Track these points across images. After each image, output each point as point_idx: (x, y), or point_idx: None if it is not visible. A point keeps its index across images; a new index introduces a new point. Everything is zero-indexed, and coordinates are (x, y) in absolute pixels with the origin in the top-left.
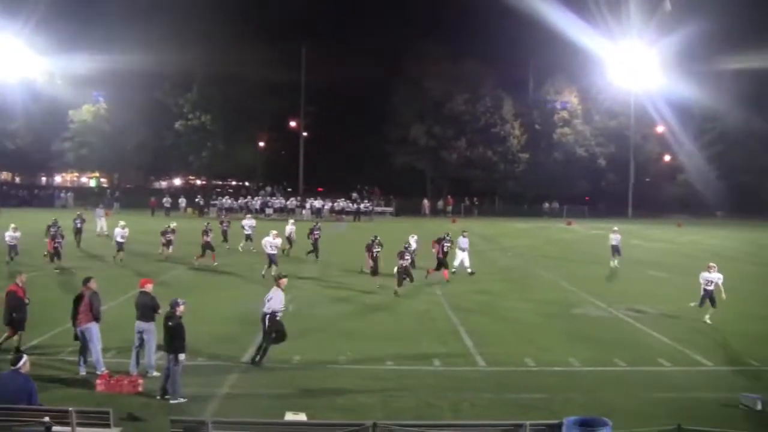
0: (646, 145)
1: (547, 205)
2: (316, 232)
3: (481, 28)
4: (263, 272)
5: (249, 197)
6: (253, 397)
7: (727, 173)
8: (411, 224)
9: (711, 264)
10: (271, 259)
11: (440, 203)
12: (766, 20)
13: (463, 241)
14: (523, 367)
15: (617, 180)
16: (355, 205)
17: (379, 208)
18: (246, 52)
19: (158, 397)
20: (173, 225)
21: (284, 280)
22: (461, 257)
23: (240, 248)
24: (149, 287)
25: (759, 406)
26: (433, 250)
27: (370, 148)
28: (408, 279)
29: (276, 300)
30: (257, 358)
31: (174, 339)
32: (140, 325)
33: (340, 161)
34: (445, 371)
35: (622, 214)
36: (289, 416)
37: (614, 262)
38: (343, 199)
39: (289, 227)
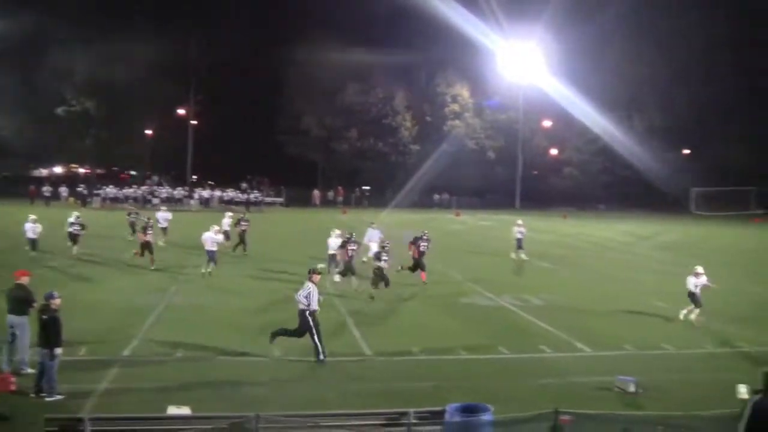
0: (534, 139)
1: (437, 196)
2: (243, 224)
3: (373, 19)
4: (204, 270)
5: (135, 186)
6: (134, 391)
7: (609, 167)
8: (301, 215)
9: (698, 270)
10: (210, 257)
11: (331, 194)
12: (644, 22)
13: (373, 233)
14: (410, 357)
15: (506, 172)
16: (245, 196)
17: (269, 199)
18: (133, 39)
19: (33, 395)
20: (75, 216)
21: (318, 276)
22: (372, 249)
23: (162, 243)
24: (25, 280)
25: (632, 389)
26: (410, 252)
27: (260, 138)
28: (384, 282)
29: (315, 296)
30: (321, 357)
31: (49, 333)
32: (12, 319)
33: (230, 151)
34: (332, 362)
35: (510, 205)
36: (172, 410)
37: (519, 255)
38: (232, 190)
39: (227, 220)
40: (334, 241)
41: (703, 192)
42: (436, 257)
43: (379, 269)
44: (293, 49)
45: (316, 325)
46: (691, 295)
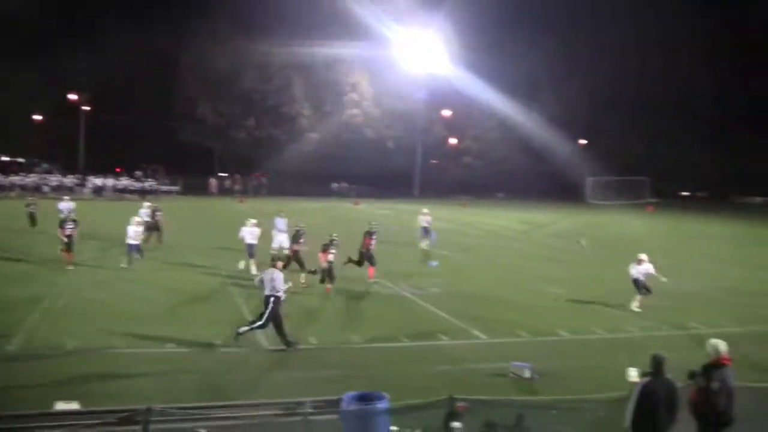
0: (434, 128)
1: (335, 185)
2: (158, 214)
3: (271, 7)
4: (123, 264)
5: (23, 174)
6: (18, 388)
7: (507, 157)
8: (199, 204)
9: (641, 257)
10: (132, 249)
11: (228, 182)
12: (541, 13)
13: (281, 222)
14: (308, 346)
15: (405, 161)
16: (140, 184)
17: (164, 187)
18: (27, 20)
19: None
20: None
21: (280, 263)
22: (280, 238)
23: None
24: None
25: (527, 374)
26: (363, 246)
27: (156, 126)
28: (329, 278)
29: (279, 281)
30: (238, 333)
31: None
32: None
33: (125, 138)
34: (228, 352)
35: (409, 194)
36: (60, 406)
37: (424, 244)
38: (126, 178)
39: (145, 211)
40: (249, 231)
41: (599, 181)
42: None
43: (329, 264)
44: (188, 36)
45: (272, 313)
46: (635, 282)
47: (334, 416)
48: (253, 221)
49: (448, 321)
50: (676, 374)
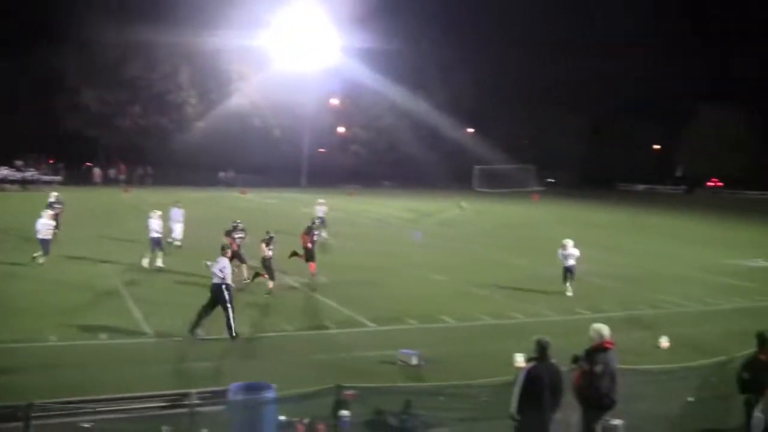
0: (321, 117)
1: (222, 174)
2: (57, 206)
3: None
4: (41, 261)
5: None
6: None
7: (395, 145)
8: (83, 194)
9: (566, 241)
10: (43, 245)
11: (112, 172)
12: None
13: (177, 213)
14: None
15: (292, 150)
16: (20, 174)
17: (46, 177)
18: None
19: None
20: None
21: (229, 251)
22: (177, 229)
23: None
24: None
25: (415, 361)
26: (303, 242)
27: (37, 114)
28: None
29: (228, 269)
30: (234, 334)
31: None
32: None
33: (4, 126)
34: (111, 344)
35: (296, 183)
36: None
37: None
38: (6, 168)
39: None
40: (155, 223)
41: (485, 170)
42: (211, 236)
43: (269, 260)
44: (71, 21)
45: (231, 299)
46: (567, 269)
47: (221, 407)
48: (158, 213)
49: (335, 310)
50: (561, 359)
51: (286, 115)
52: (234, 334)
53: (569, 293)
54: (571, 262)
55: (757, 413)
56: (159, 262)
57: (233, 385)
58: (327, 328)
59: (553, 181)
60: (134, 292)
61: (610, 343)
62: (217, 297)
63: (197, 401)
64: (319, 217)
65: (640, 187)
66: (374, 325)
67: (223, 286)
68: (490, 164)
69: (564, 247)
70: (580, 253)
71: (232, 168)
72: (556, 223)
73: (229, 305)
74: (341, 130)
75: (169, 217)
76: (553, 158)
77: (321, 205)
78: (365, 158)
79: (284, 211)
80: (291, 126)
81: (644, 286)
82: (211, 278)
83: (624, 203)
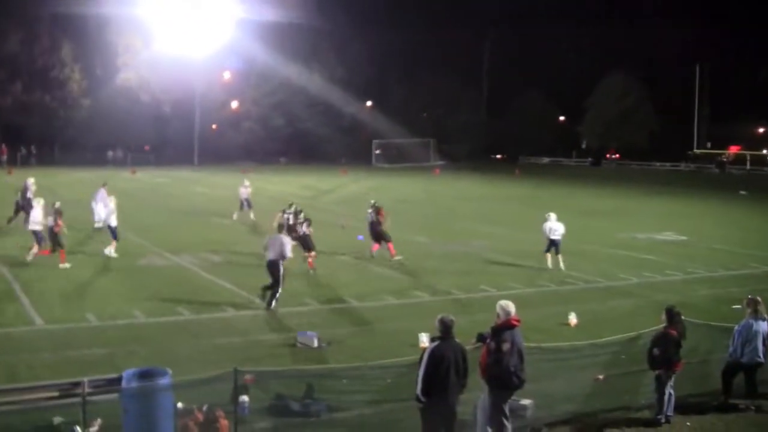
0: (212, 93)
1: (110, 153)
2: None
3: None
4: None
5: None
6: None
7: (289, 121)
8: None
9: (549, 214)
10: None
11: None
12: None
13: (102, 194)
14: (84, 324)
15: (183, 127)
16: None
17: None
18: None
19: None
20: None
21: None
22: (99, 211)
23: None
24: None
25: (315, 344)
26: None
27: None
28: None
29: (288, 246)
30: (272, 303)
31: None
32: None
33: None
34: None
35: (188, 162)
36: None
37: (234, 215)
38: None
39: None
40: (36, 213)
41: (385, 144)
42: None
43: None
44: None
45: (284, 276)
46: (551, 242)
47: (114, 395)
48: (41, 201)
49: (231, 291)
50: (466, 338)
51: (176, 91)
52: (269, 307)
53: (561, 266)
54: (557, 236)
55: (669, 390)
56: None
57: (126, 372)
58: (224, 310)
59: (451, 156)
60: (23, 283)
61: (517, 320)
62: (275, 271)
63: (90, 390)
64: (245, 199)
65: (545, 160)
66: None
67: (280, 262)
68: (389, 139)
69: (548, 219)
70: (484, 229)
71: (120, 147)
72: (457, 199)
73: (281, 280)
74: (234, 105)
75: (93, 198)
76: (454, 132)
77: (246, 187)
78: (259, 135)
79: (176, 191)
80: (182, 102)
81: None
82: (267, 255)
83: (529, 177)
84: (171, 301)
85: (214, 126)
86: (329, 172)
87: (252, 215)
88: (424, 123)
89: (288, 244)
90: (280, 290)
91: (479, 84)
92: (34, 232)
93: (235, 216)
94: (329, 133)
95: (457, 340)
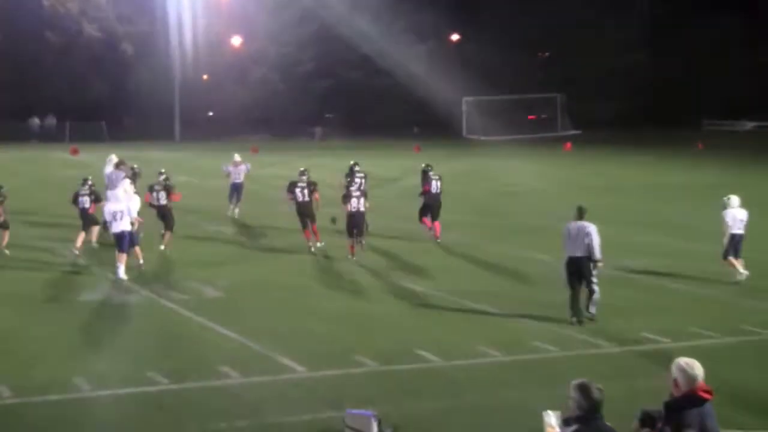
0: (202, 22)
1: (37, 121)
2: None
3: None
4: None
5: None
6: None
7: (327, 68)
8: None
9: (730, 197)
10: None
11: None
12: None
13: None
14: None
15: (155, 79)
16: None
17: None
18: None
19: None
20: None
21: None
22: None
23: None
24: None
25: (374, 429)
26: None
27: None
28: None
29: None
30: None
31: None
32: None
33: None
34: None
35: (166, 135)
36: None
37: (233, 211)
38: None
39: None
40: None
41: (481, 103)
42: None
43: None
44: None
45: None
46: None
47: None
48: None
49: (235, 343)
50: (620, 419)
51: (143, 20)
52: (591, 315)
53: (741, 271)
54: (740, 229)
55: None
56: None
57: None
58: (226, 376)
59: (588, 120)
60: None
61: (708, 392)
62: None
63: None
64: (236, 185)
65: (748, 125)
66: (303, 368)
67: (592, 261)
68: (488, 95)
69: (729, 205)
70: (656, 240)
71: (53, 111)
72: (603, 191)
73: (596, 281)
74: (237, 42)
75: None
76: (593, 84)
77: (237, 165)
78: (279, 91)
79: (144, 182)
80: (152, 38)
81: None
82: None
83: (718, 153)
84: (140, 360)
85: (205, 77)
86: (393, 149)
87: (237, 210)
88: (544, 68)
89: (596, 234)
90: (597, 291)
91: (632, 3)
92: None
93: (231, 211)
94: (391, 88)
95: (608, 423)
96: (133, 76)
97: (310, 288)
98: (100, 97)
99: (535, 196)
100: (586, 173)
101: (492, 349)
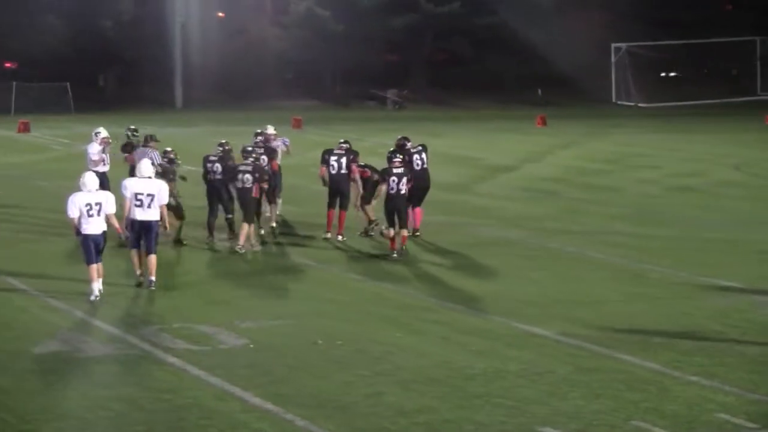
0: None
1: None
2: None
3: None
4: None
5: None
6: None
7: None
8: None
9: None
10: None
11: None
12: None
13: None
14: None
15: (147, 12)
16: None
17: None
18: None
19: None
20: None
21: None
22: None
23: None
24: None
25: None
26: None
27: None
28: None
29: None
30: None
31: None
32: None
33: None
34: None
35: (163, 101)
36: None
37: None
38: None
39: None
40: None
41: (636, 51)
42: None
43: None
44: None
45: None
46: None
47: None
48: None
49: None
50: None
51: None
52: None
53: None
54: None
55: None
56: None
57: None
58: None
59: None
60: None
61: None
62: None
63: None
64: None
65: None
66: None
67: None
68: (645, 41)
69: None
70: None
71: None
72: None
73: None
74: None
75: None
76: None
77: (270, 141)
78: (330, 38)
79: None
80: None
81: None
82: None
83: None
84: None
85: (220, 14)
86: (504, 121)
87: (278, 210)
88: None
89: None
90: None
91: None
92: None
93: (268, 210)
94: (499, 29)
95: None
96: (111, 13)
97: (376, 327)
98: (61, 44)
99: (729, 192)
100: None
101: None
